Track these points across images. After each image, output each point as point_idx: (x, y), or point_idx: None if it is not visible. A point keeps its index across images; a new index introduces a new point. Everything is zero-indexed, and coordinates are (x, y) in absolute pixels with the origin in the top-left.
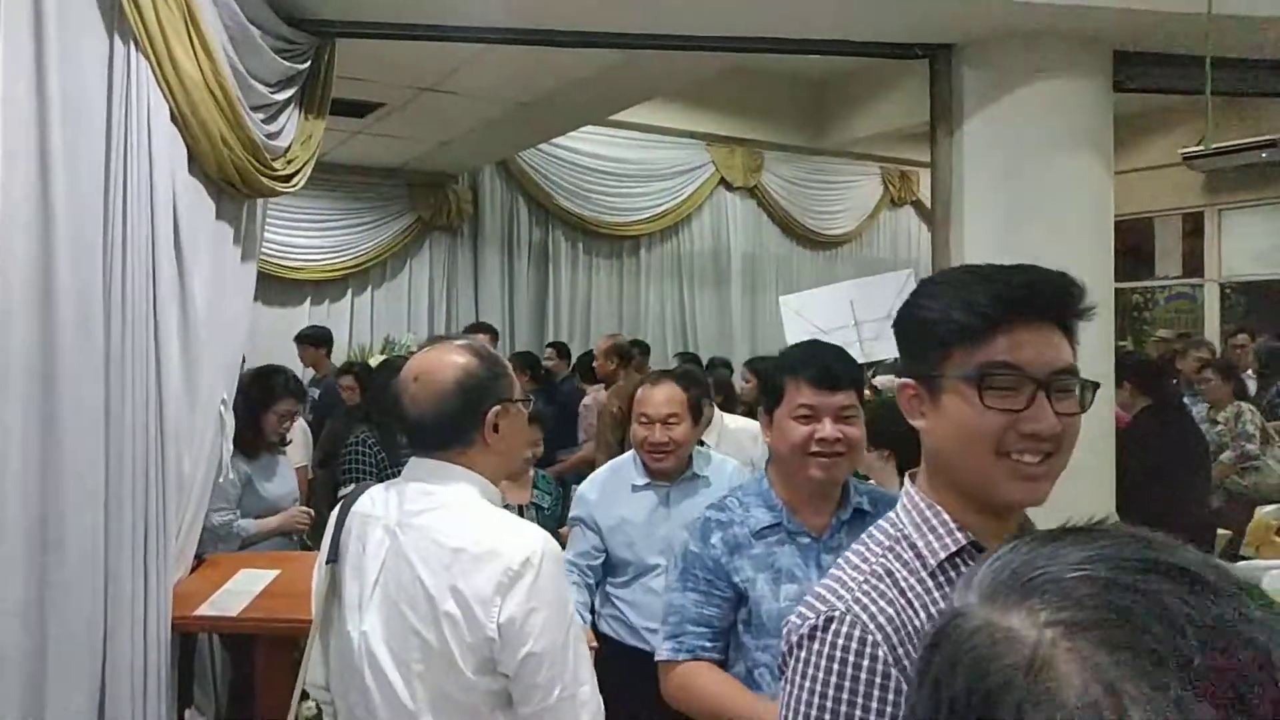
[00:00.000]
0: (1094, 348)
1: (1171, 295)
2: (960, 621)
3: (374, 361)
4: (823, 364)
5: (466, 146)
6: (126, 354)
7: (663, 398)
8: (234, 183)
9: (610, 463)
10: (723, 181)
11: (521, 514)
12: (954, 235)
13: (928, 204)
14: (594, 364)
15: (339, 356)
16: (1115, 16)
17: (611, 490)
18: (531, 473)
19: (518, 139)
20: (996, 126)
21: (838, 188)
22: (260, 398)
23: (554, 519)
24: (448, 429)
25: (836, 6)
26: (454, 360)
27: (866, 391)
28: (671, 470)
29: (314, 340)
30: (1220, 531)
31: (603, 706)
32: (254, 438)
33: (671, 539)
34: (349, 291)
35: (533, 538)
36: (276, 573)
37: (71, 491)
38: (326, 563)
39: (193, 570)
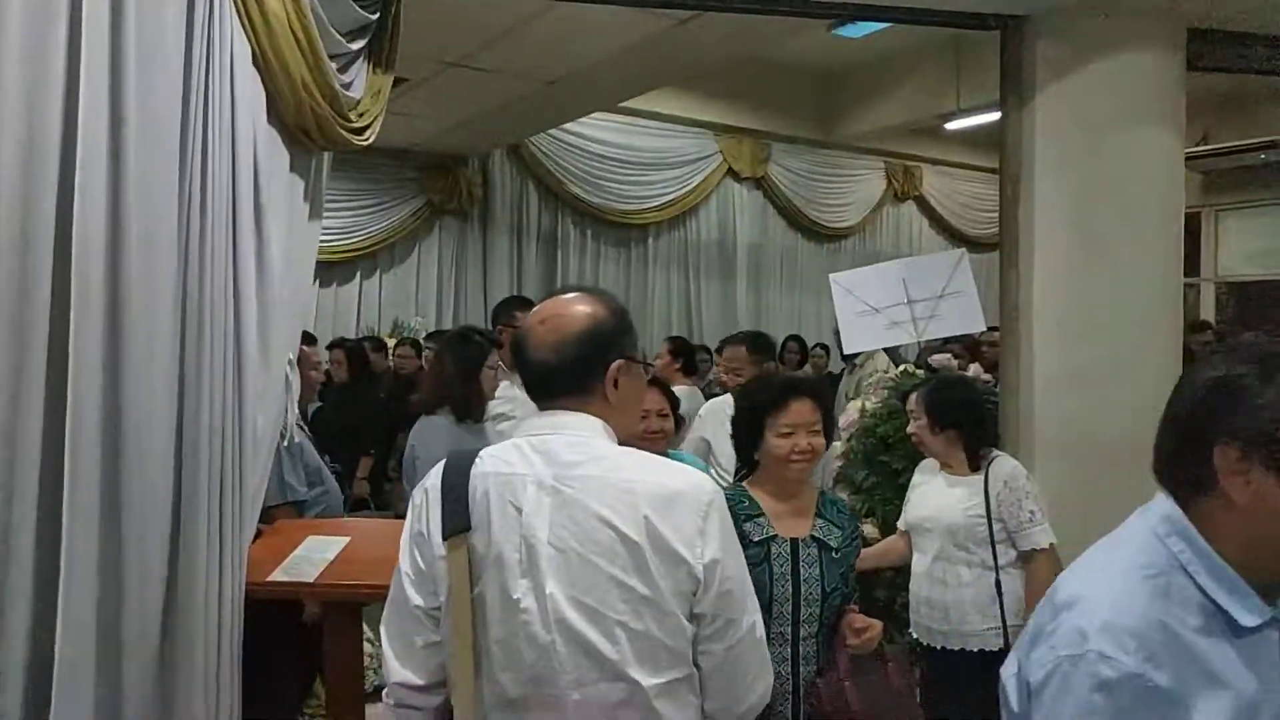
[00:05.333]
0: (1164, 330)
1: None
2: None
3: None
4: None
5: (480, 129)
6: (205, 306)
7: None
8: (310, 132)
9: (1123, 563)
10: (730, 172)
11: (796, 552)
12: (1024, 210)
13: (930, 200)
14: None
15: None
16: None
17: (1178, 647)
18: (816, 492)
19: (533, 122)
20: (1069, 100)
21: (843, 181)
22: (474, 359)
23: (844, 566)
24: (570, 375)
25: None
26: (583, 307)
27: (921, 371)
28: None
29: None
30: None
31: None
32: (476, 402)
33: None
34: (358, 274)
35: (703, 477)
36: (347, 540)
37: (141, 452)
38: (456, 533)
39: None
